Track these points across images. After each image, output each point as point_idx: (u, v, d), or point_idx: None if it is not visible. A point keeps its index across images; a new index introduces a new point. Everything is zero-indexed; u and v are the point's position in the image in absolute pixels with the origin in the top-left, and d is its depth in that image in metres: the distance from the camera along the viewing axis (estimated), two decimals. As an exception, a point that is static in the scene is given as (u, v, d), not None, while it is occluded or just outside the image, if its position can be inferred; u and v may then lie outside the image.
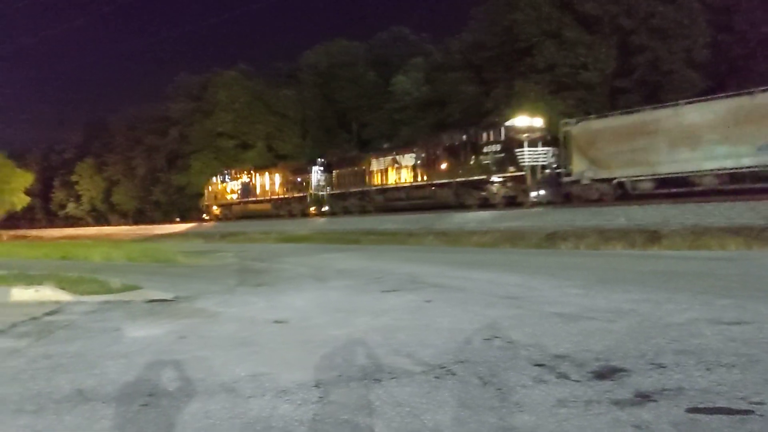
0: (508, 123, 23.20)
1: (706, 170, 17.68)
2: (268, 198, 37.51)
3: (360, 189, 30.17)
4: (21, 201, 59.71)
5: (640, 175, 19.12)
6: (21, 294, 7.81)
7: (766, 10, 25.69)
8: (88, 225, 62.81)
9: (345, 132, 46.01)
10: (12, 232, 54.64)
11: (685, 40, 26.74)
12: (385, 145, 32.49)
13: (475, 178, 23.86)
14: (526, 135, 22.34)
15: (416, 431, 2.94)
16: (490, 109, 30.77)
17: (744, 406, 3.06)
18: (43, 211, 73.12)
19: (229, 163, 44.96)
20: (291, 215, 35.09)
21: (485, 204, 23.66)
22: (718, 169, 17.46)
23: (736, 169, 17.12)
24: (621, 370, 3.75)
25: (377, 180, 29.24)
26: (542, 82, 29.10)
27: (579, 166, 20.69)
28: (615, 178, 19.84)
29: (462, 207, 24.37)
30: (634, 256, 12.02)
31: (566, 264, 10.76)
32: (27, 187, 60.20)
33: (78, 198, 67.03)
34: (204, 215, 44.20)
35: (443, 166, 25.62)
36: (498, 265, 10.94)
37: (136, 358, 4.55)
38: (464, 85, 34.42)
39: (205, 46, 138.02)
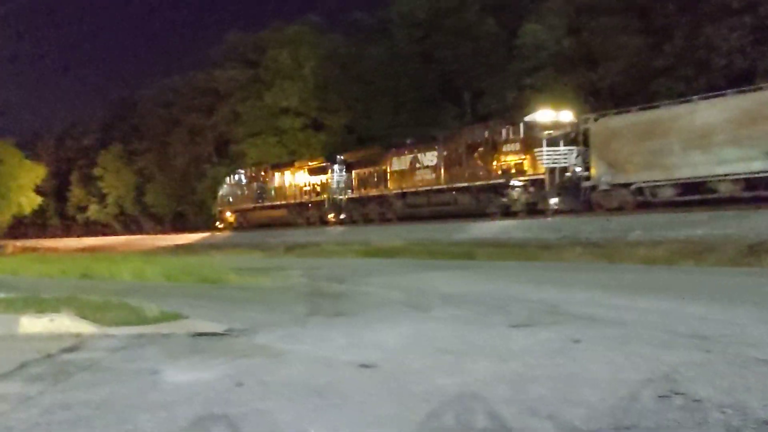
0: (527, 118, 26.38)
1: None
2: (285, 203, 41.52)
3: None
4: (31, 202, 61.62)
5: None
6: (32, 324, 8.03)
7: None
8: (115, 233, 65.52)
9: (453, 105, 46.05)
10: (20, 243, 56.64)
11: None
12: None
13: (494, 182, 27.47)
14: (546, 132, 25.01)
15: None
16: (662, 69, 29.90)
17: None
18: (57, 214, 76.52)
19: (295, 149, 46.46)
20: (309, 223, 39.40)
21: (507, 212, 26.88)
22: None
23: None
24: None
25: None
26: (739, 27, 27.85)
27: (598, 169, 23.02)
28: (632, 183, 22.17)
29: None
30: None
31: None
32: (38, 183, 63.00)
33: (103, 198, 69.53)
34: (217, 223, 47.86)
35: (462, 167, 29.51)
36: (676, 290, 10.70)
37: (179, 411, 4.66)
38: (624, 34, 33.65)
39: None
